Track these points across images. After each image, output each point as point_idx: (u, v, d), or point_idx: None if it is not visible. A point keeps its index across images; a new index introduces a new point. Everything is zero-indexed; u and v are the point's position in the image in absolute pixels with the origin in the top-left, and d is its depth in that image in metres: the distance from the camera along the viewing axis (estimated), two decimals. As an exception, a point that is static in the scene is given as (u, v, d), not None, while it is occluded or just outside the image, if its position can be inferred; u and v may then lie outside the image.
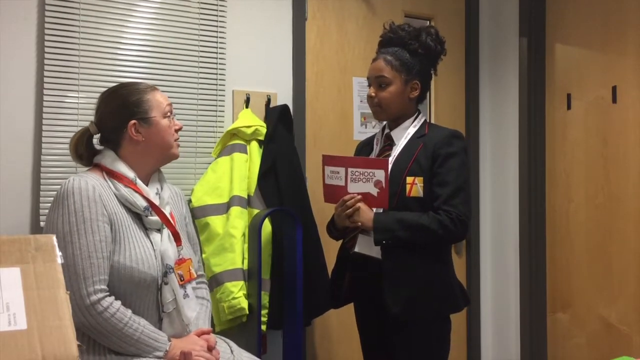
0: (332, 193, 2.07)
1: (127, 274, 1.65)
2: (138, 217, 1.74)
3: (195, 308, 1.80)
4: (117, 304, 1.62)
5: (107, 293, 1.61)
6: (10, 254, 1.19)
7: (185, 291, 1.76)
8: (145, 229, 1.75)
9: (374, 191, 1.96)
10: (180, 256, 1.79)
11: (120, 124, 1.77)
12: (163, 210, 1.80)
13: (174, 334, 1.72)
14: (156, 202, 1.79)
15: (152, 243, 1.73)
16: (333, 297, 2.25)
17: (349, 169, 1.98)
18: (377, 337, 2.16)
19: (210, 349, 1.74)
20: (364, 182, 1.96)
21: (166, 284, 1.72)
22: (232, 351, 1.83)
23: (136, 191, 1.74)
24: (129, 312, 1.64)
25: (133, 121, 1.76)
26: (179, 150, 1.88)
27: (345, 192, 2.02)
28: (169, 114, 1.82)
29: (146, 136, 1.78)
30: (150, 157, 1.80)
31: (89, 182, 1.67)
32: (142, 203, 1.74)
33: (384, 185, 1.93)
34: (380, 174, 1.93)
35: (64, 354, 1.10)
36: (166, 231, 1.78)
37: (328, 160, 2.06)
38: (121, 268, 1.65)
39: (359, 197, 2.00)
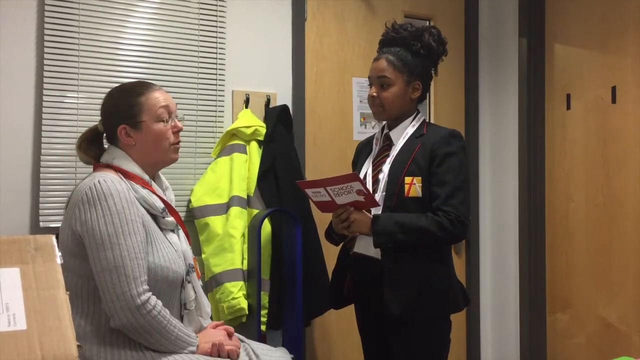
0: (324, 207, 2.07)
1: (164, 274, 1.67)
2: (154, 218, 1.74)
3: (208, 304, 1.87)
4: (160, 302, 1.64)
5: (151, 292, 1.63)
6: (9, 254, 1.19)
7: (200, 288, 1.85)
8: (161, 229, 1.75)
9: (360, 198, 1.95)
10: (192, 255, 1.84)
11: (112, 127, 1.76)
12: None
13: (193, 330, 1.76)
14: None
15: (171, 243, 1.75)
16: (334, 298, 2.25)
17: (327, 188, 1.96)
18: (378, 338, 2.16)
19: (230, 336, 1.80)
20: (347, 194, 1.95)
21: (189, 282, 1.76)
22: (242, 340, 1.88)
23: (152, 192, 1.74)
24: (167, 310, 1.66)
25: (122, 126, 1.74)
26: (179, 151, 1.86)
27: (335, 205, 2.02)
28: (164, 116, 1.77)
29: (137, 140, 1.75)
30: (147, 160, 1.78)
31: (122, 183, 1.66)
32: (160, 204, 1.74)
33: (365, 191, 1.92)
34: (356, 185, 1.91)
35: (63, 354, 1.10)
36: (181, 231, 1.82)
37: (304, 185, 2.04)
38: (157, 268, 1.66)
39: (351, 209, 2.00)
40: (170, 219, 1.77)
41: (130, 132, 1.74)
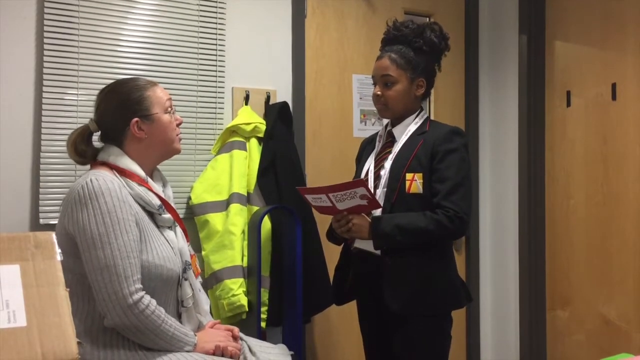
0: (324, 210, 2.06)
1: (158, 272, 1.66)
2: (151, 215, 1.74)
3: (207, 301, 1.87)
4: (154, 301, 1.63)
5: (144, 291, 1.62)
6: (9, 252, 1.19)
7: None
8: (158, 227, 1.75)
9: (363, 202, 1.94)
10: (190, 252, 1.83)
11: (123, 122, 1.75)
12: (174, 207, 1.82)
13: (191, 328, 1.76)
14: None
15: (167, 240, 1.74)
16: (336, 294, 2.25)
17: (330, 194, 1.95)
18: (378, 334, 2.17)
19: (235, 338, 1.80)
20: (350, 199, 1.94)
21: (185, 279, 1.75)
22: (241, 338, 1.87)
23: (149, 189, 1.74)
24: (162, 309, 1.65)
25: (136, 119, 1.74)
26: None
27: (336, 210, 2.00)
28: (169, 109, 1.81)
29: (149, 133, 1.76)
30: (153, 154, 1.79)
31: (114, 181, 1.66)
32: (157, 201, 1.73)
33: (369, 196, 1.91)
34: (361, 190, 1.90)
35: (63, 351, 1.10)
36: (178, 228, 1.81)
37: (304, 191, 2.04)
38: (151, 267, 1.65)
39: (350, 217, 1.99)
40: (167, 216, 1.76)
41: (142, 125, 1.75)
